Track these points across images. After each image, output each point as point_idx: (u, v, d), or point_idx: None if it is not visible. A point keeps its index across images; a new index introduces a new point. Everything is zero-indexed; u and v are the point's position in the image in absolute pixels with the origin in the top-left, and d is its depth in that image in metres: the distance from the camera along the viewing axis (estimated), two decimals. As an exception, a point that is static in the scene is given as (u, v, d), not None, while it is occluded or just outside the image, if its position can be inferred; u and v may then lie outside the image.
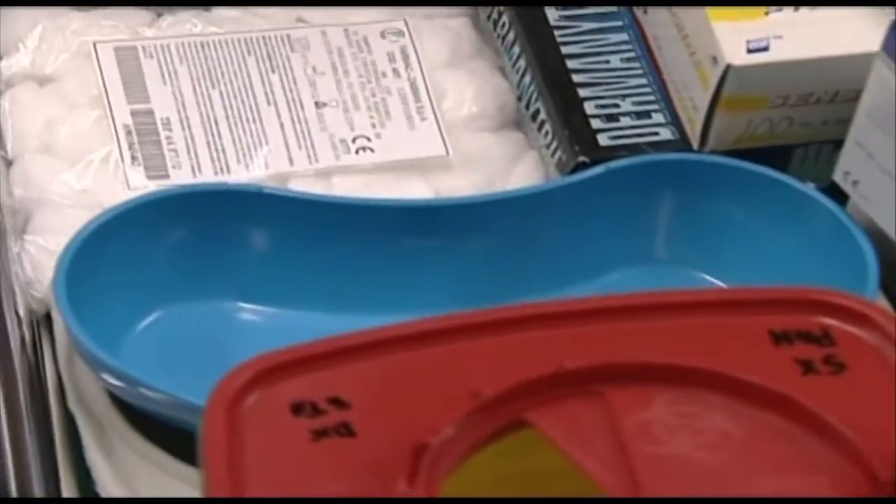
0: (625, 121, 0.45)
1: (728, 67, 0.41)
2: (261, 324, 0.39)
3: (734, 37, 0.42)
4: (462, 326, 0.31)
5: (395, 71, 0.45)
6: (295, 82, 0.44)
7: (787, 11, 0.43)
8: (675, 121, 0.45)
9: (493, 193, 0.42)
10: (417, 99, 0.45)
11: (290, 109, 0.43)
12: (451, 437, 0.27)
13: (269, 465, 0.28)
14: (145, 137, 0.42)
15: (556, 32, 0.47)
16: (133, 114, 0.42)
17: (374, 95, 0.44)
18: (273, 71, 0.44)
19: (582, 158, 0.43)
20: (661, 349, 0.31)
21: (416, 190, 0.41)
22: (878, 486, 0.27)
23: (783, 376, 0.31)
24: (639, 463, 0.27)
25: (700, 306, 0.33)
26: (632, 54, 0.47)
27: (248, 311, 0.39)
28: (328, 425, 0.29)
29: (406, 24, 0.47)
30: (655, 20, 0.45)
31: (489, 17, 0.50)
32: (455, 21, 0.50)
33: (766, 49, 0.42)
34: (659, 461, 0.28)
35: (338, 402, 0.30)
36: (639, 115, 0.45)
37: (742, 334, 0.33)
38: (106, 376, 0.34)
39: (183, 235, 0.38)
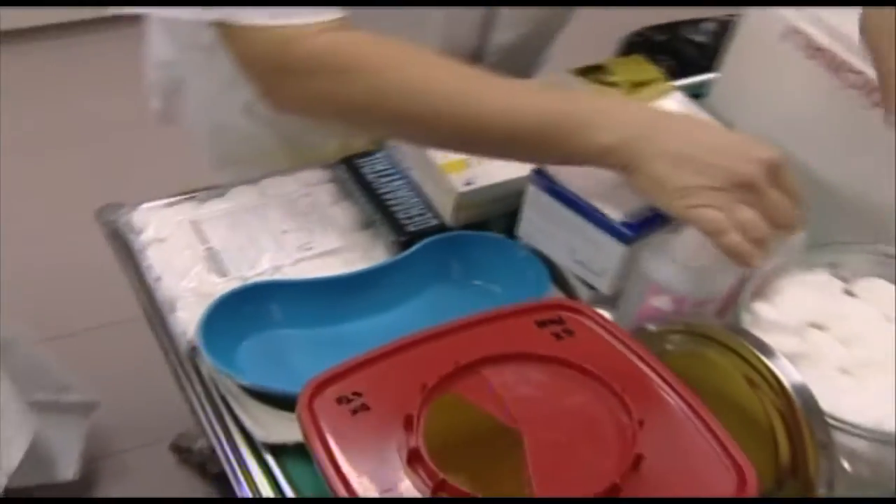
0: (415, 217, 0.88)
1: (459, 194, 0.85)
2: (297, 336, 0.80)
3: (457, 177, 0.88)
4: (410, 343, 0.64)
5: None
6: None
7: (481, 164, 0.89)
8: (435, 215, 0.90)
9: (380, 264, 0.85)
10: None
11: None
12: (419, 407, 0.60)
13: (336, 429, 0.60)
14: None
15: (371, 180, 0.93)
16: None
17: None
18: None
19: (402, 239, 0.81)
20: (496, 343, 0.66)
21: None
22: (615, 394, 0.63)
23: (548, 343, 0.67)
24: (508, 403, 0.62)
25: (504, 315, 0.68)
26: (400, 182, 0.92)
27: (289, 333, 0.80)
28: (356, 406, 0.61)
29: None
30: (415, 164, 0.92)
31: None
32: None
33: (473, 183, 0.86)
34: (517, 400, 0.62)
35: (357, 394, 0.62)
36: (420, 213, 0.89)
37: (525, 326, 0.68)
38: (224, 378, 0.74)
39: (249, 306, 0.79)
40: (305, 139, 1.03)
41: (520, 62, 1.09)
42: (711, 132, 0.76)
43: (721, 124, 0.90)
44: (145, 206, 0.90)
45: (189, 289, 0.82)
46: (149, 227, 0.88)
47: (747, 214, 0.69)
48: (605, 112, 0.74)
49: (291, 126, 1.01)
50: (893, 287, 0.75)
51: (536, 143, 0.75)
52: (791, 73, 0.88)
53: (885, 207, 0.81)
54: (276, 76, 0.79)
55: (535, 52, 1.12)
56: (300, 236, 0.88)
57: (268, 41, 0.77)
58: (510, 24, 0.99)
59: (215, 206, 0.91)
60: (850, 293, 0.76)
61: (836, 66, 0.84)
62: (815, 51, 0.85)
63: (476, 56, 1.00)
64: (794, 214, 0.72)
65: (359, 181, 0.93)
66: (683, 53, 1.56)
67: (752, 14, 0.93)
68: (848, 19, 0.83)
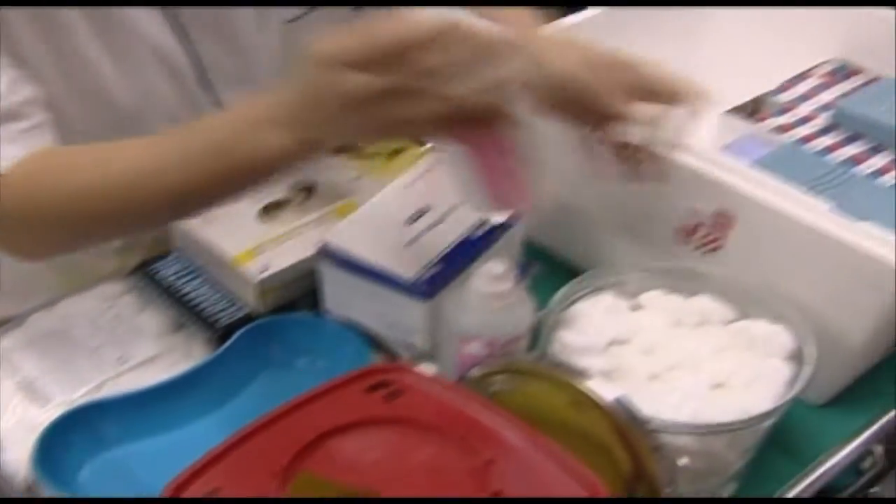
0: (224, 311, 0.91)
1: (258, 282, 0.90)
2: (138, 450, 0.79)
3: (252, 266, 0.91)
4: (252, 431, 0.66)
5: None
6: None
7: (272, 249, 0.93)
8: (243, 305, 0.92)
9: (202, 362, 0.86)
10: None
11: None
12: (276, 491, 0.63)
13: None
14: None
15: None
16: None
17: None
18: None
19: (217, 335, 0.88)
20: (333, 416, 0.69)
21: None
22: (459, 441, 0.67)
23: (381, 406, 0.71)
24: (360, 469, 0.65)
25: (333, 388, 0.72)
26: (200, 280, 0.95)
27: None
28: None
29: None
30: (208, 261, 0.94)
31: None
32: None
33: (268, 268, 0.90)
34: (367, 465, 0.66)
35: (216, 489, 0.64)
36: (227, 307, 0.92)
37: (355, 394, 0.72)
38: None
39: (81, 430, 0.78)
40: (78, 266, 1.02)
41: None
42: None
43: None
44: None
45: (11, 426, 0.80)
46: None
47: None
48: (252, 119, 0.73)
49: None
50: (670, 297, 0.84)
51: (222, 176, 0.75)
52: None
53: (643, 229, 0.92)
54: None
55: None
56: (113, 350, 0.88)
57: None
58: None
59: (16, 338, 0.89)
60: (637, 308, 0.84)
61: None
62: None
63: None
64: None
65: (158, 286, 0.94)
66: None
67: None
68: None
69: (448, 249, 0.84)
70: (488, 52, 0.65)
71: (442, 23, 0.64)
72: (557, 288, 0.84)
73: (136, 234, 0.93)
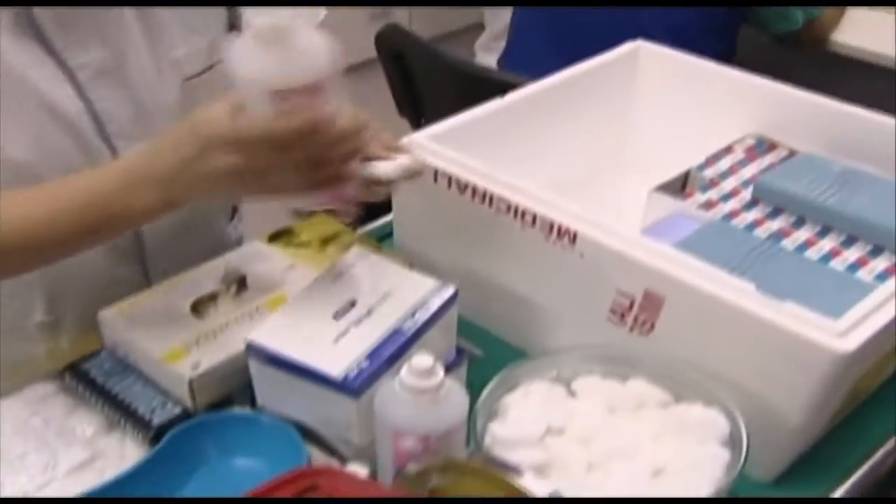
0: (157, 409, 0.89)
1: (190, 380, 0.89)
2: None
3: (182, 364, 0.90)
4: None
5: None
6: None
7: (202, 346, 0.92)
8: (177, 402, 0.91)
9: (136, 466, 0.85)
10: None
11: None
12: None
13: None
14: None
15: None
16: None
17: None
18: None
19: (150, 434, 0.86)
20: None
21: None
22: None
23: None
24: None
25: (262, 494, 0.71)
26: (132, 377, 0.94)
27: None
28: None
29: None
30: (139, 358, 0.94)
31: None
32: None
33: (199, 366, 0.90)
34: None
35: None
36: (161, 405, 0.91)
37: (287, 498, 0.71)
38: None
39: None
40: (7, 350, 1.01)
41: (195, 243, 1.09)
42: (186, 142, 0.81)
43: (406, 259, 1.01)
44: None
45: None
46: None
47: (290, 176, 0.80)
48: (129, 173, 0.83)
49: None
50: (605, 381, 0.85)
51: (92, 230, 0.85)
52: (450, 209, 0.99)
53: (576, 311, 0.92)
54: None
55: (211, 233, 1.16)
56: (41, 457, 0.86)
57: None
58: None
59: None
60: (572, 394, 0.85)
61: (489, 199, 0.95)
62: (463, 187, 0.97)
63: (137, 243, 1.06)
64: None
65: (90, 386, 0.92)
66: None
67: None
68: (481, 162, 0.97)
69: (377, 343, 0.83)
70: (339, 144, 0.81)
71: (305, 124, 0.78)
72: (498, 369, 0.85)
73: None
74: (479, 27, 2.33)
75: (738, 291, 0.82)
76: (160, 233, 1.04)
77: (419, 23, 3.55)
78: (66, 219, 0.83)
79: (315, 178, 0.81)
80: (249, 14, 0.77)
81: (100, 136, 0.96)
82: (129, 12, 0.95)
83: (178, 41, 0.99)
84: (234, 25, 1.04)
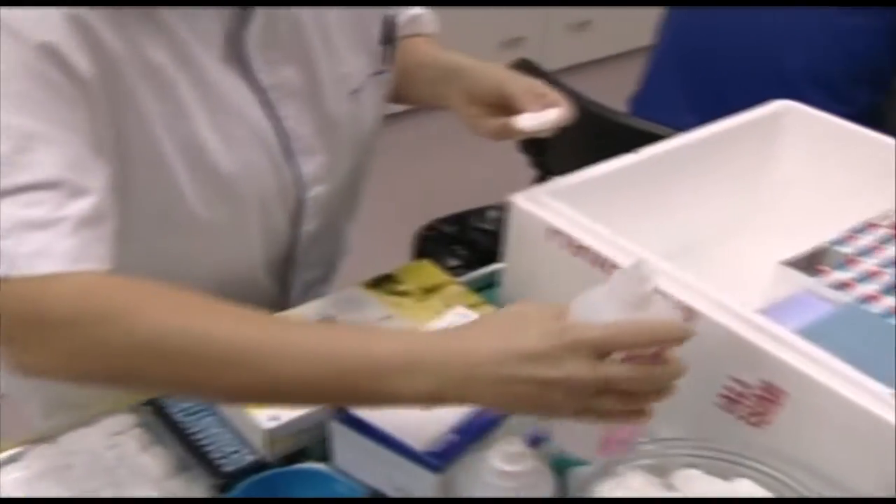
0: (230, 455, 0.87)
1: (267, 431, 0.85)
2: None
3: (261, 414, 0.86)
4: None
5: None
6: None
7: None
8: (251, 450, 0.88)
9: None
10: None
11: None
12: None
13: None
14: None
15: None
16: None
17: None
18: None
19: (220, 482, 0.84)
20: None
21: None
22: None
23: None
24: None
25: None
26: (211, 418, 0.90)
27: None
28: None
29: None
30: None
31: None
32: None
33: (279, 418, 0.85)
34: None
35: None
36: (234, 451, 0.88)
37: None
38: None
39: None
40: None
41: (326, 249, 1.12)
42: (519, 335, 0.71)
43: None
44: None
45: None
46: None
47: (607, 401, 0.69)
48: (413, 353, 0.70)
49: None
50: (708, 478, 0.77)
51: (344, 392, 0.72)
52: (562, 268, 0.93)
53: (686, 393, 0.84)
54: (30, 330, 0.72)
55: (339, 238, 1.16)
56: (108, 493, 0.82)
57: (16, 292, 0.71)
58: (316, 213, 1.03)
59: (10, 476, 0.84)
60: (670, 489, 0.77)
61: (601, 262, 0.89)
62: (578, 248, 0.91)
63: (291, 244, 1.05)
64: (650, 374, 0.71)
65: (167, 423, 0.89)
66: (476, 242, 1.61)
67: (516, 214, 0.98)
68: (602, 221, 0.91)
69: (465, 417, 0.78)
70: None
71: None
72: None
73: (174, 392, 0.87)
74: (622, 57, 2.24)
75: (873, 396, 0.73)
76: (310, 237, 1.06)
77: (552, 50, 3.51)
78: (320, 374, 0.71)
79: (622, 408, 0.71)
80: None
81: (283, 154, 0.97)
82: (313, 33, 0.97)
83: (347, 55, 1.01)
84: (389, 38, 1.06)
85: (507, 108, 0.98)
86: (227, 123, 0.92)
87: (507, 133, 0.98)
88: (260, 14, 0.90)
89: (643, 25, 1.94)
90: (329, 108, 1.00)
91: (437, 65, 1.08)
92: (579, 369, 0.67)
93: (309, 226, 1.04)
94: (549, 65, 3.60)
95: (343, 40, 1.00)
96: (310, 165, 1.00)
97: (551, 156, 1.77)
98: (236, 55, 0.91)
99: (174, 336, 0.70)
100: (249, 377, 0.71)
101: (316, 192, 1.02)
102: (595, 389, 0.68)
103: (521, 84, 0.99)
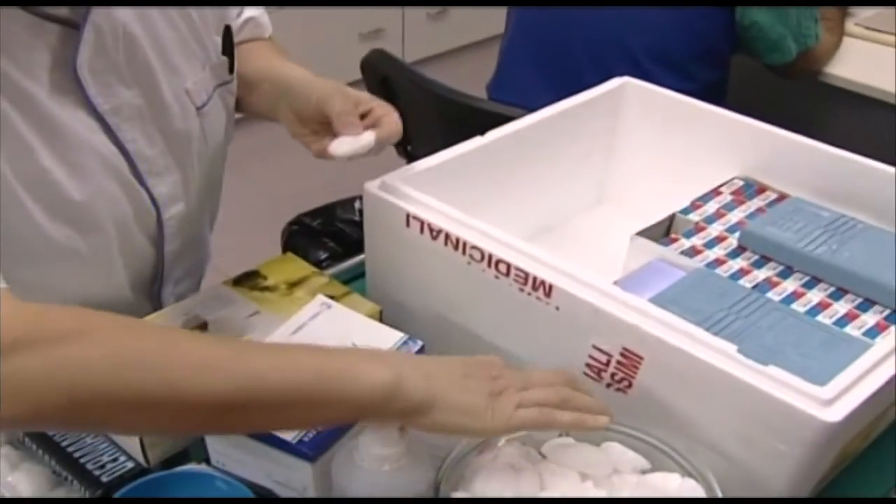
0: (108, 465, 0.86)
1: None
2: None
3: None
4: None
5: None
6: None
7: None
8: (130, 457, 0.87)
9: None
10: None
11: None
12: None
13: None
14: None
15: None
16: None
17: None
18: None
19: (98, 493, 0.83)
20: None
21: None
22: None
23: None
24: None
25: None
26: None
27: None
28: None
29: None
30: None
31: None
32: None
33: None
34: None
35: None
36: (112, 459, 0.86)
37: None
38: None
39: None
40: None
41: (191, 261, 1.12)
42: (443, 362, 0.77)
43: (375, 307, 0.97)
44: None
45: None
46: None
47: (545, 391, 0.76)
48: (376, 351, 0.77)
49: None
50: (580, 444, 0.80)
51: (312, 401, 0.69)
52: (422, 254, 0.95)
53: (553, 365, 0.88)
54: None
55: (203, 248, 1.16)
56: (-20, 518, 0.81)
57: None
58: (178, 232, 1.03)
59: None
60: (542, 459, 0.80)
61: (461, 245, 0.91)
62: (437, 233, 0.92)
63: (156, 264, 1.04)
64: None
65: (37, 438, 0.87)
66: (344, 234, 1.62)
67: (371, 203, 0.98)
68: (457, 204, 0.93)
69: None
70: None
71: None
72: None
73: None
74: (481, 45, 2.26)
75: (720, 353, 0.78)
76: (173, 254, 1.05)
77: (412, 41, 3.53)
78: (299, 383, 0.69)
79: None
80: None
81: (135, 177, 0.96)
82: (150, 52, 0.94)
83: (187, 72, 0.99)
84: (230, 48, 1.04)
85: (331, 127, 0.95)
86: (71, 153, 0.90)
87: (326, 156, 0.95)
88: (88, 37, 0.87)
89: (500, 13, 1.97)
90: (177, 126, 0.99)
91: (270, 78, 1.05)
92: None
93: (172, 245, 1.04)
94: (410, 55, 3.62)
95: (181, 56, 0.98)
96: (163, 186, 0.99)
97: (416, 145, 1.79)
98: (70, 84, 0.88)
99: (133, 350, 0.66)
100: (224, 383, 0.67)
101: (174, 211, 1.02)
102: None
103: (340, 104, 0.94)
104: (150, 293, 1.07)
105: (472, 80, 1.97)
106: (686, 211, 1.07)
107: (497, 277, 0.89)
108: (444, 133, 1.09)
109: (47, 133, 0.88)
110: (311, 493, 0.78)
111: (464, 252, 0.91)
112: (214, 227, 1.18)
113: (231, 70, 1.05)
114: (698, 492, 0.76)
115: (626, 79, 1.21)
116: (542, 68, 1.77)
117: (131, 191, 0.96)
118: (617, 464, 0.79)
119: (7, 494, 0.84)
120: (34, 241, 0.90)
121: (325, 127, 0.96)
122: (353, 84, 1.04)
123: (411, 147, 1.84)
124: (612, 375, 0.84)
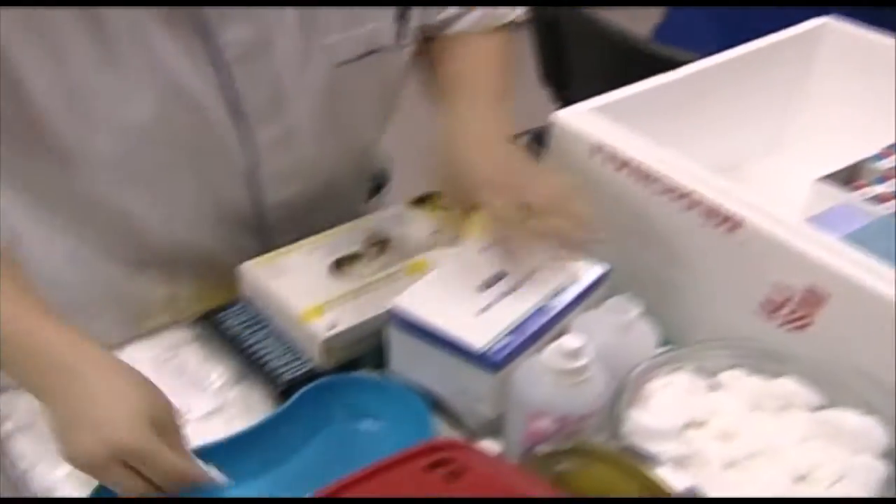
0: (287, 365, 0.89)
1: (324, 340, 0.88)
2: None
3: (319, 323, 0.89)
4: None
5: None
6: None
7: (340, 307, 0.91)
8: (307, 360, 0.90)
9: (263, 421, 0.85)
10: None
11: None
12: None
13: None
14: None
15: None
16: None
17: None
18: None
19: (279, 389, 0.87)
20: (398, 492, 0.65)
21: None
22: None
23: (441, 487, 0.66)
24: None
25: (392, 465, 0.68)
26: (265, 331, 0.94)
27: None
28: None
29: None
30: (275, 313, 0.93)
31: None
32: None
33: (336, 326, 0.88)
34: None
35: None
36: (291, 360, 0.90)
37: (414, 473, 0.68)
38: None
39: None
40: (128, 287, 1.02)
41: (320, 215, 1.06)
42: None
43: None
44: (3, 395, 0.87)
45: (65, 476, 0.79)
46: (13, 414, 0.85)
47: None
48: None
49: (115, 272, 1.01)
50: (752, 377, 0.80)
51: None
52: (605, 185, 0.94)
53: (726, 301, 0.87)
54: None
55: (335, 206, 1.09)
56: (176, 402, 0.85)
57: None
58: (280, 181, 1.00)
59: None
60: (716, 387, 0.80)
61: (644, 176, 0.90)
62: (622, 164, 0.92)
63: (259, 215, 1.02)
64: None
65: (223, 337, 0.92)
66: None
67: (558, 131, 0.98)
68: (647, 136, 0.91)
69: (522, 319, 0.81)
70: None
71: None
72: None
73: None
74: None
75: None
76: (283, 206, 1.03)
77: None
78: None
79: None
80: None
81: (230, 115, 0.93)
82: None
83: (335, 27, 0.94)
84: (402, 16, 0.99)
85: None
86: (144, 73, 0.86)
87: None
88: None
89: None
90: (292, 78, 0.94)
91: (448, 121, 0.94)
92: None
93: (275, 196, 1.01)
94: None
95: (334, 10, 0.93)
96: (263, 133, 0.95)
97: (575, 88, 1.78)
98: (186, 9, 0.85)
99: None
100: None
101: (274, 162, 0.98)
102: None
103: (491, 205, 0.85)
104: (258, 237, 1.05)
105: (635, 24, 1.94)
106: (875, 158, 1.04)
107: (682, 211, 0.88)
108: (607, 78, 1.07)
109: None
110: (486, 403, 0.80)
111: (647, 183, 0.90)
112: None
113: (402, 35, 1.00)
114: (877, 432, 0.74)
115: (824, 19, 1.16)
116: (717, 15, 1.73)
117: (217, 128, 0.93)
118: (791, 397, 0.78)
119: (197, 385, 0.89)
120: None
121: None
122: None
123: (570, 90, 1.83)
124: (792, 312, 0.83)
